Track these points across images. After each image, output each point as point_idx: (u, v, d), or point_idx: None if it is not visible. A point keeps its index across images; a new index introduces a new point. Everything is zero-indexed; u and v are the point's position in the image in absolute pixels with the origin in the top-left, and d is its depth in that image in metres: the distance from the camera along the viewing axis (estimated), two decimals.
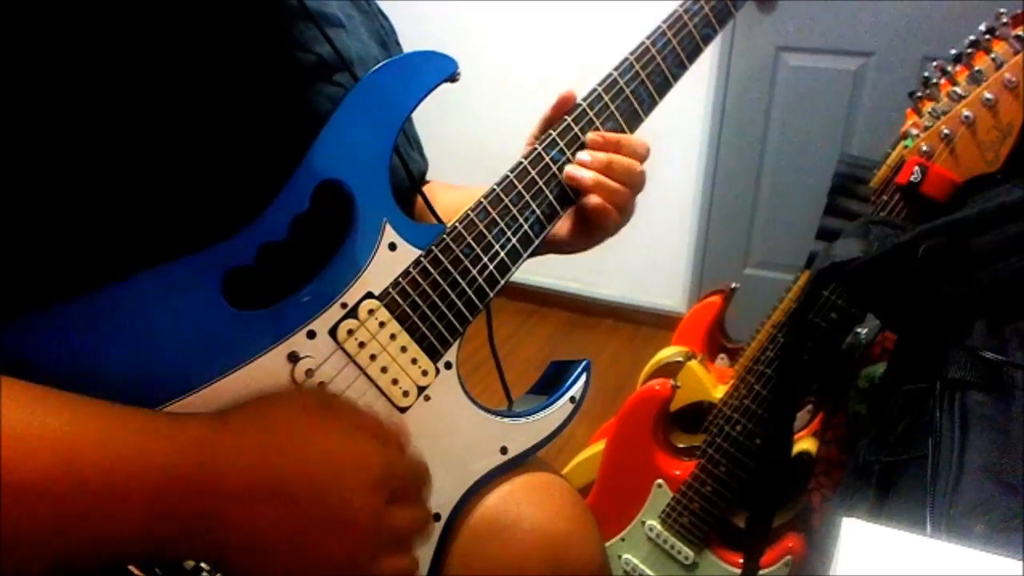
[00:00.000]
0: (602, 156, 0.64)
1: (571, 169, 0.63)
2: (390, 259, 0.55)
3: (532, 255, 0.65)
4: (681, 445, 1.18)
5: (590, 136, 0.64)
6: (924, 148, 0.82)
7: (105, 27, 0.46)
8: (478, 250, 0.59)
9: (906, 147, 0.85)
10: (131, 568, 0.45)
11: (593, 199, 0.64)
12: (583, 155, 0.64)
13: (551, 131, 0.63)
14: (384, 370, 0.55)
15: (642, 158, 0.66)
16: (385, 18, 0.73)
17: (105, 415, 0.40)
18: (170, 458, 0.40)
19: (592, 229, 0.67)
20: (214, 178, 0.49)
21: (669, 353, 1.30)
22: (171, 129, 0.48)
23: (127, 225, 0.47)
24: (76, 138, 0.45)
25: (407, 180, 0.63)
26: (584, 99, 0.65)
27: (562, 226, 0.69)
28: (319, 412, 0.48)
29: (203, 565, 0.48)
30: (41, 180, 0.44)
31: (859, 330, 1.05)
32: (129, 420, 0.41)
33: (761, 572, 1.08)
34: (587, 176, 0.63)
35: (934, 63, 0.86)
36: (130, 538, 0.39)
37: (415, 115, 0.67)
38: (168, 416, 0.43)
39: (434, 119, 0.75)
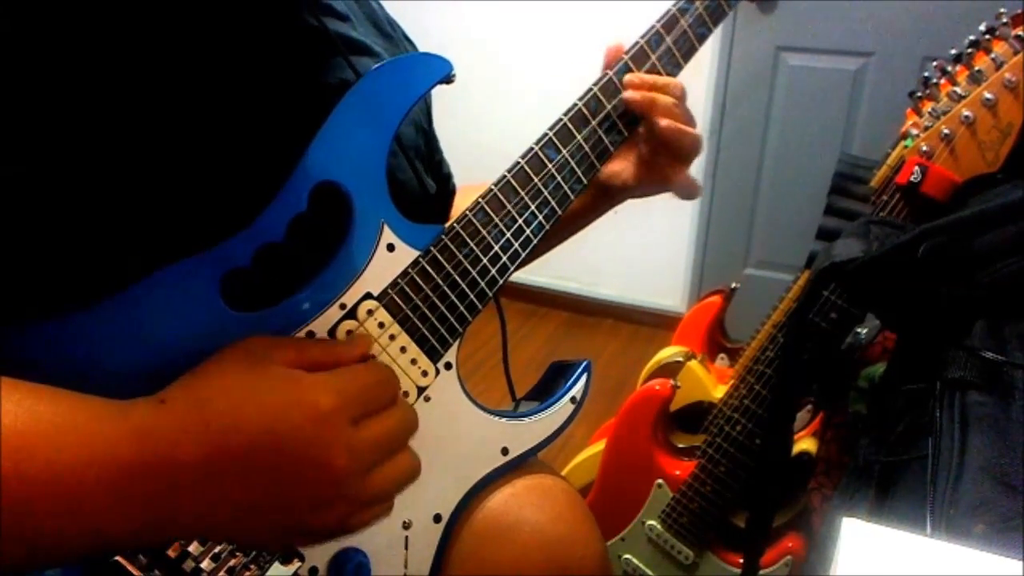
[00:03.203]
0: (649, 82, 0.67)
1: (629, 95, 0.66)
2: (389, 260, 0.55)
3: (607, 204, 0.69)
4: (681, 445, 1.18)
5: (630, 77, 0.67)
6: (924, 148, 0.82)
7: (115, 30, 0.46)
8: (477, 250, 0.59)
9: (906, 147, 0.85)
10: (128, 566, 0.45)
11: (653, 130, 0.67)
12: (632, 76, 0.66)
13: (547, 131, 0.63)
14: None
15: (681, 95, 0.69)
16: (410, 43, 0.73)
17: (55, 409, 0.40)
18: (117, 450, 0.40)
19: (680, 186, 0.71)
20: (220, 183, 0.49)
21: (669, 353, 1.29)
22: (177, 134, 0.48)
23: (128, 228, 0.47)
24: (81, 143, 0.45)
25: (420, 192, 0.63)
26: (580, 98, 0.65)
27: (624, 170, 0.73)
28: (249, 366, 0.46)
29: (202, 566, 0.48)
30: (43, 183, 0.44)
31: (859, 330, 1.05)
32: (79, 413, 0.40)
33: (761, 572, 1.08)
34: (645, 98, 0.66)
35: (934, 63, 0.86)
36: (95, 530, 0.39)
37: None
38: (116, 406, 0.42)
39: (436, 120, 0.75)
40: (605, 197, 0.76)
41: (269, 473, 0.43)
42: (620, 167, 0.73)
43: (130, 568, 0.46)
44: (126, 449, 0.40)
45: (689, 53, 0.69)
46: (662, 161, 0.71)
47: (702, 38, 0.70)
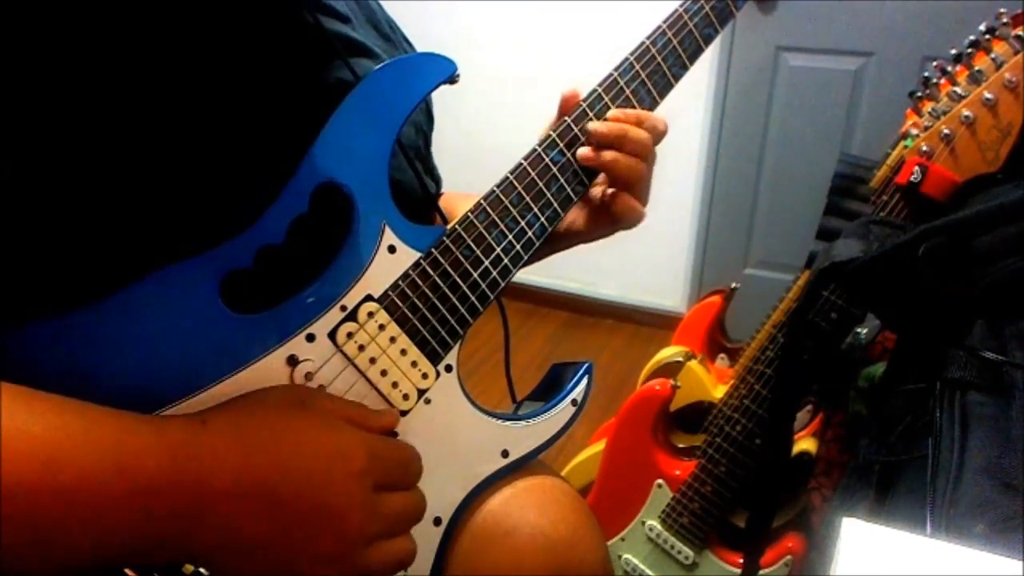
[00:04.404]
0: (617, 127, 0.63)
1: (585, 151, 0.63)
2: (389, 261, 0.55)
3: (549, 251, 0.65)
4: (681, 445, 1.18)
5: (613, 113, 0.64)
6: (924, 148, 0.82)
7: (114, 30, 0.46)
8: (478, 252, 0.59)
9: (906, 147, 0.85)
10: (128, 572, 0.45)
11: (611, 176, 0.64)
12: (597, 124, 0.63)
13: (551, 131, 0.63)
14: (384, 373, 0.55)
15: (660, 134, 0.65)
16: (410, 45, 0.73)
17: (86, 420, 0.40)
18: (149, 464, 0.40)
19: (623, 213, 0.66)
20: (219, 183, 0.49)
21: (669, 353, 1.30)
22: (176, 134, 0.48)
23: (127, 228, 0.47)
24: (81, 142, 0.45)
25: (420, 193, 0.63)
26: (585, 99, 0.65)
27: (577, 217, 0.69)
28: (295, 407, 0.48)
29: (202, 571, 0.48)
30: (43, 183, 0.44)
31: (859, 330, 1.05)
32: (110, 425, 0.40)
33: (761, 572, 1.08)
34: (605, 155, 0.63)
35: (934, 63, 0.86)
36: (116, 543, 0.39)
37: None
38: (149, 420, 0.43)
39: (436, 121, 0.75)
40: (547, 245, 0.67)
41: (288, 510, 0.44)
42: (571, 215, 0.69)
43: (127, 571, 0.46)
44: (158, 463, 0.40)
45: (695, 54, 0.69)
46: (612, 198, 0.67)
47: (708, 39, 0.69)
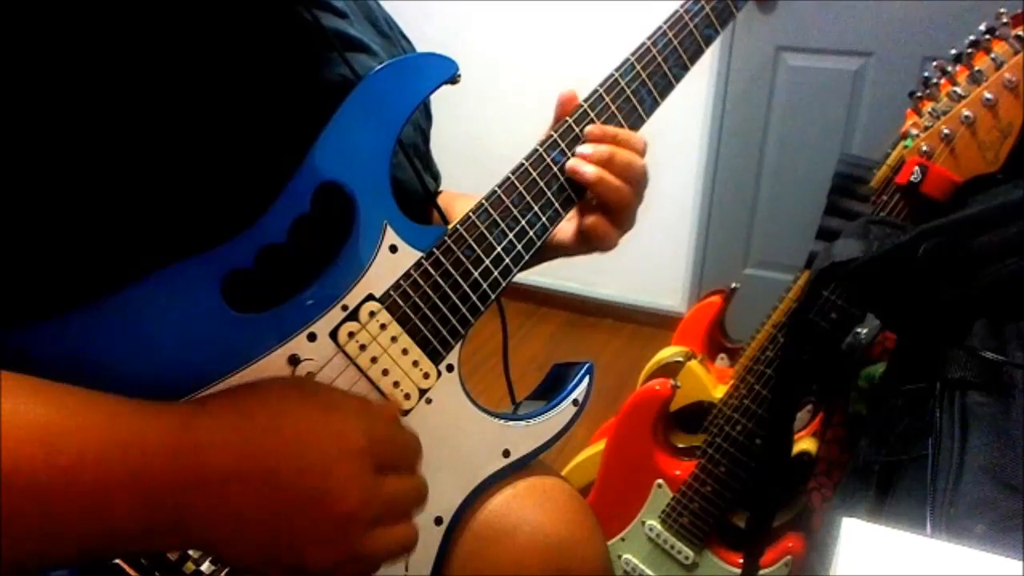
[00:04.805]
0: (603, 148, 0.63)
1: (573, 163, 0.62)
2: (391, 261, 0.55)
3: (537, 260, 0.65)
4: (681, 445, 1.18)
5: (588, 129, 0.63)
6: (924, 148, 0.82)
7: (111, 29, 0.46)
8: (479, 252, 0.59)
9: (906, 147, 0.85)
10: (128, 569, 0.45)
11: (595, 196, 0.63)
12: (584, 147, 0.63)
13: (552, 132, 0.63)
14: (385, 373, 0.55)
15: (640, 153, 0.65)
16: (408, 42, 0.73)
17: (86, 404, 0.40)
18: (149, 445, 0.40)
19: (593, 233, 0.66)
20: (220, 183, 0.50)
21: (669, 353, 1.29)
22: (175, 133, 0.48)
23: (128, 227, 0.47)
24: (81, 142, 0.45)
25: (420, 191, 0.63)
26: (586, 99, 0.65)
27: (566, 230, 0.68)
28: (294, 392, 0.48)
29: (202, 569, 0.48)
30: (44, 182, 0.44)
31: (859, 330, 1.05)
32: (109, 409, 0.41)
33: (761, 572, 1.08)
34: (589, 171, 0.62)
35: (934, 63, 0.86)
36: (116, 526, 0.39)
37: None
38: (148, 404, 0.42)
39: (436, 121, 0.75)
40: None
41: (288, 491, 0.43)
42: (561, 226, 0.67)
43: (129, 571, 0.46)
44: (158, 445, 0.40)
45: (696, 55, 0.68)
46: (598, 219, 0.66)
47: (709, 40, 0.69)
